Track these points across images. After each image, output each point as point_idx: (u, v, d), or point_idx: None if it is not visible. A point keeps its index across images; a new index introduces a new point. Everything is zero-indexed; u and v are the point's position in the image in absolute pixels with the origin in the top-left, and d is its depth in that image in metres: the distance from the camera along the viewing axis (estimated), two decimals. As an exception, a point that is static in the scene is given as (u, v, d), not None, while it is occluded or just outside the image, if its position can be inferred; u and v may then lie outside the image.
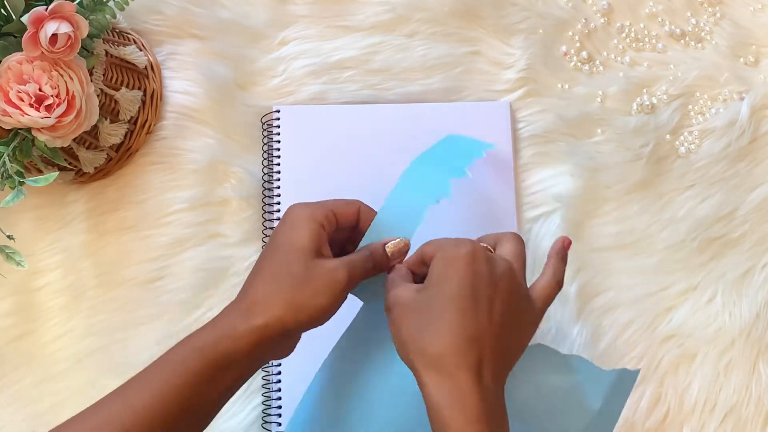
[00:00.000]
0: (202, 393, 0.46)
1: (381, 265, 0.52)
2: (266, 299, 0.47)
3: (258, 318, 0.47)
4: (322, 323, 0.49)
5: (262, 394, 0.65)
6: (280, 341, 0.48)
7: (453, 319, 0.45)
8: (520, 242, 0.51)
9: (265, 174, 0.69)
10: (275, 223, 0.67)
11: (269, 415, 0.64)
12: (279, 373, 0.64)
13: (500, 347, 0.46)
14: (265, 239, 0.67)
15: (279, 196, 0.68)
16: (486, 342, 0.45)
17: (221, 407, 0.49)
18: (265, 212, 0.68)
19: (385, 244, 0.52)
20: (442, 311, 0.45)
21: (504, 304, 0.47)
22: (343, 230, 0.53)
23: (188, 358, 0.46)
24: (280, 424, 0.63)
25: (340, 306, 0.49)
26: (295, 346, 0.52)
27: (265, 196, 0.68)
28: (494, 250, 0.51)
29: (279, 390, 0.64)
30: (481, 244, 0.50)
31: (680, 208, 0.69)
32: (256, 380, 0.65)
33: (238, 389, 0.49)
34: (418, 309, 0.47)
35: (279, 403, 0.64)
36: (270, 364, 0.65)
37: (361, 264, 0.50)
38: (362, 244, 0.53)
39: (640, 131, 0.70)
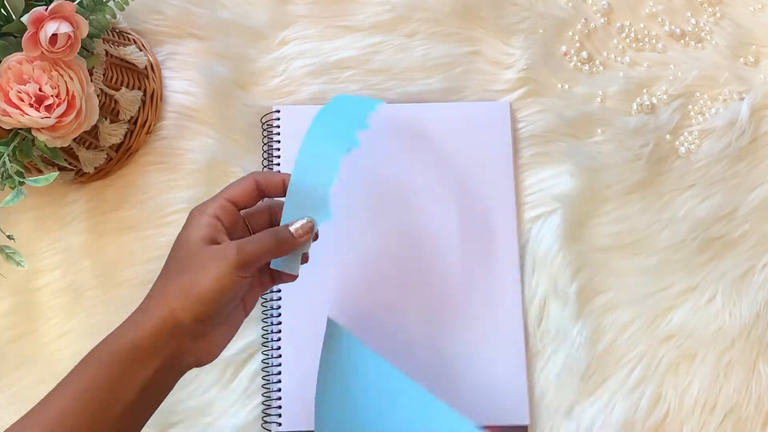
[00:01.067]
0: (112, 397, 0.45)
1: (287, 244, 0.51)
2: (159, 292, 0.48)
3: (153, 313, 0.46)
4: (215, 309, 0.47)
5: (263, 394, 0.65)
6: (185, 338, 0.47)
7: None
8: None
9: (265, 174, 0.69)
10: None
11: (269, 414, 0.64)
12: (279, 373, 0.64)
13: None
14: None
15: (279, 196, 0.68)
16: None
17: (151, 410, 0.48)
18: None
19: (290, 226, 0.51)
20: None
21: None
22: (261, 212, 0.53)
23: (90, 367, 0.46)
24: (280, 424, 0.63)
25: (235, 290, 0.47)
26: (214, 350, 0.50)
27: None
28: None
29: (279, 390, 0.64)
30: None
31: (680, 208, 0.69)
32: (257, 380, 0.65)
33: (164, 394, 0.48)
34: None
35: (279, 402, 0.64)
36: (270, 364, 0.64)
37: (256, 242, 0.49)
38: (285, 207, 0.52)
39: (640, 131, 0.70)
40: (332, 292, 0.66)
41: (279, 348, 0.65)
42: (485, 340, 0.65)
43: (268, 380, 0.65)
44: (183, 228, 0.50)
